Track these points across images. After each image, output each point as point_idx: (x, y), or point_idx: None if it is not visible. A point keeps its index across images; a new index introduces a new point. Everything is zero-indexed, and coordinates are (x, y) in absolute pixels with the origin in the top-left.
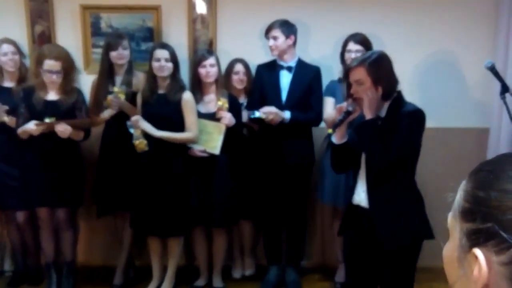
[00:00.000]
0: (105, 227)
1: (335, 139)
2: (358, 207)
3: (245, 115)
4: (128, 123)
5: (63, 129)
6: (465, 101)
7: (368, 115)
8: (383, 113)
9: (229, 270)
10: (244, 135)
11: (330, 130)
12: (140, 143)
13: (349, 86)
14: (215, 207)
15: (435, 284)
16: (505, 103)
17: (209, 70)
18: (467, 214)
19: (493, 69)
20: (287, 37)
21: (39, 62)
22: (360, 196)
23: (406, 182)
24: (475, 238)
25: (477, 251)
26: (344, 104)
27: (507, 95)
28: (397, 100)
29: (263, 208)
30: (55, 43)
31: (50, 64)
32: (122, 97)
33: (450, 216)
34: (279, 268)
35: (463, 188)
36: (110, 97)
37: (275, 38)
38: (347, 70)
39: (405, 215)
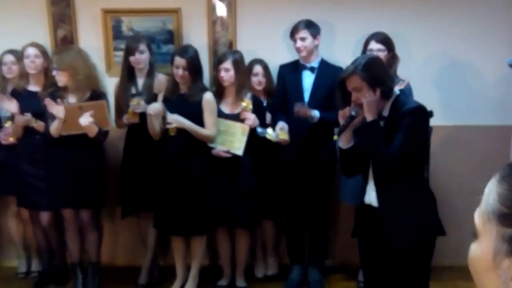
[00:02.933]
0: (129, 227)
1: (341, 144)
2: (369, 207)
3: (268, 117)
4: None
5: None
6: (487, 99)
7: (369, 117)
8: (385, 112)
9: (252, 269)
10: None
11: (335, 136)
12: (172, 129)
13: (344, 93)
14: (238, 208)
15: (460, 283)
16: None
17: (222, 74)
18: (506, 218)
19: None
20: (314, 37)
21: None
22: (370, 196)
23: (415, 180)
24: None
25: None
26: (347, 109)
27: None
28: (399, 99)
29: (286, 208)
30: None
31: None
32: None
33: (479, 217)
34: (302, 268)
35: (496, 190)
36: (130, 110)
37: (303, 39)
38: (341, 80)
39: (414, 213)
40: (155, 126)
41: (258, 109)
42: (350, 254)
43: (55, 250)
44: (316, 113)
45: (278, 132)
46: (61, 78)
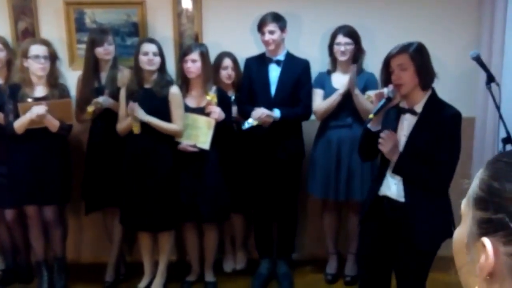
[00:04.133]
0: (94, 223)
1: (371, 125)
2: (385, 198)
3: (234, 110)
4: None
5: (42, 110)
6: (451, 91)
7: (393, 159)
8: (419, 108)
9: (221, 264)
10: (234, 129)
11: (371, 116)
12: (136, 126)
13: (386, 73)
14: (206, 202)
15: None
16: (491, 92)
17: (189, 65)
18: (480, 202)
19: (478, 59)
20: (281, 30)
21: (24, 54)
22: (391, 189)
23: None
24: (486, 227)
25: (486, 240)
26: (384, 90)
27: (493, 84)
28: (435, 97)
29: (254, 202)
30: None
31: (37, 48)
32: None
33: (464, 202)
34: (270, 261)
35: (479, 176)
36: (89, 109)
37: (271, 32)
38: (387, 57)
39: (439, 215)
40: (127, 123)
41: (223, 102)
42: (318, 247)
43: (19, 248)
44: (276, 114)
45: (258, 116)
46: (41, 53)
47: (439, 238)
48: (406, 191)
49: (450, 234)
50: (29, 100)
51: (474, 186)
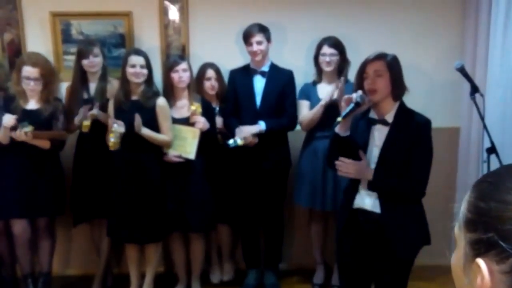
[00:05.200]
0: (82, 235)
1: (338, 130)
2: (359, 210)
3: (219, 121)
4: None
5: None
6: (436, 102)
7: (366, 178)
8: (390, 117)
9: (208, 275)
10: (218, 139)
11: (339, 119)
12: (115, 143)
13: (360, 79)
14: (192, 212)
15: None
16: (475, 103)
17: (181, 75)
18: (470, 224)
19: (462, 70)
20: (268, 41)
21: (19, 69)
22: (364, 201)
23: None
24: (478, 248)
25: (480, 261)
26: (354, 95)
27: (477, 95)
28: (404, 107)
29: (241, 212)
30: (36, 52)
31: (27, 70)
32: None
33: (456, 227)
34: (257, 272)
35: (466, 199)
36: (86, 123)
37: (259, 43)
38: (364, 63)
39: (414, 222)
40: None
41: (207, 113)
42: (305, 257)
43: (4, 260)
44: (262, 127)
45: (244, 137)
46: (32, 75)
47: (417, 245)
48: (381, 202)
49: (426, 241)
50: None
51: (462, 209)
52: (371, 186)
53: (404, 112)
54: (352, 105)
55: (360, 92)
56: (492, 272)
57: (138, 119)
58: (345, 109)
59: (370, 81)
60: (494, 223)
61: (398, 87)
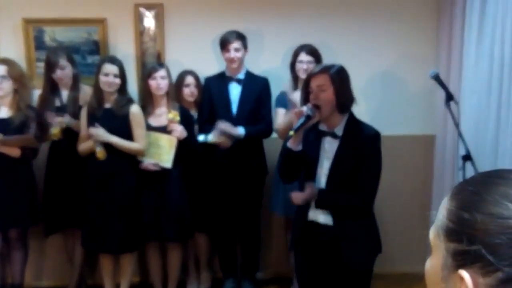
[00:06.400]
0: (55, 246)
1: (291, 144)
2: (313, 223)
3: (196, 129)
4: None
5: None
6: (412, 110)
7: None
8: (339, 130)
9: (184, 285)
10: (196, 148)
11: (291, 132)
12: (100, 152)
13: (306, 93)
14: (169, 221)
15: None
16: (450, 110)
17: (159, 82)
18: (451, 234)
19: (437, 78)
20: (245, 49)
21: None
22: (317, 215)
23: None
24: (461, 259)
25: (464, 273)
26: (304, 109)
27: (451, 103)
28: (353, 119)
29: (217, 221)
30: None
31: None
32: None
33: (432, 233)
34: (235, 281)
35: (445, 206)
36: (54, 130)
37: (237, 50)
38: (308, 76)
39: (366, 233)
40: (89, 145)
41: (185, 121)
42: (282, 266)
43: None
44: (241, 131)
45: (217, 134)
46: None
47: (371, 255)
48: (333, 215)
49: (379, 249)
50: None
51: (441, 217)
52: (317, 205)
53: (353, 125)
54: (303, 118)
55: (310, 104)
56: (477, 285)
57: (99, 129)
58: (296, 123)
59: (313, 97)
60: (481, 236)
61: (343, 100)
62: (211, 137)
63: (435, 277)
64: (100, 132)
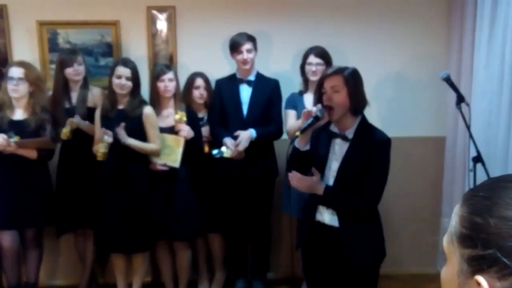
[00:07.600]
0: (69, 245)
1: (298, 144)
2: (319, 223)
3: (204, 131)
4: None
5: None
6: (422, 111)
7: (317, 192)
8: (350, 133)
9: (196, 285)
10: (205, 148)
11: (298, 133)
12: (104, 153)
13: (319, 94)
14: (176, 221)
15: None
16: (461, 112)
17: (167, 84)
18: (465, 240)
19: (448, 80)
20: (255, 50)
21: (5, 75)
22: (324, 215)
23: None
24: (477, 265)
25: (480, 279)
26: (313, 109)
27: (462, 104)
28: (365, 122)
29: (228, 221)
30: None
31: (12, 70)
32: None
33: (445, 241)
34: (245, 281)
35: (457, 213)
36: (65, 130)
37: (249, 51)
38: (322, 77)
39: (373, 238)
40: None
41: (192, 121)
42: (293, 267)
43: None
44: (252, 133)
45: (232, 148)
46: (16, 75)
47: (376, 259)
48: (339, 217)
49: (384, 254)
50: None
51: (454, 224)
52: (322, 201)
53: (364, 128)
54: (311, 119)
55: (319, 106)
56: None
57: (120, 131)
58: (304, 123)
59: (326, 98)
60: (495, 240)
61: (356, 102)
62: (226, 152)
63: (452, 284)
64: (122, 134)
